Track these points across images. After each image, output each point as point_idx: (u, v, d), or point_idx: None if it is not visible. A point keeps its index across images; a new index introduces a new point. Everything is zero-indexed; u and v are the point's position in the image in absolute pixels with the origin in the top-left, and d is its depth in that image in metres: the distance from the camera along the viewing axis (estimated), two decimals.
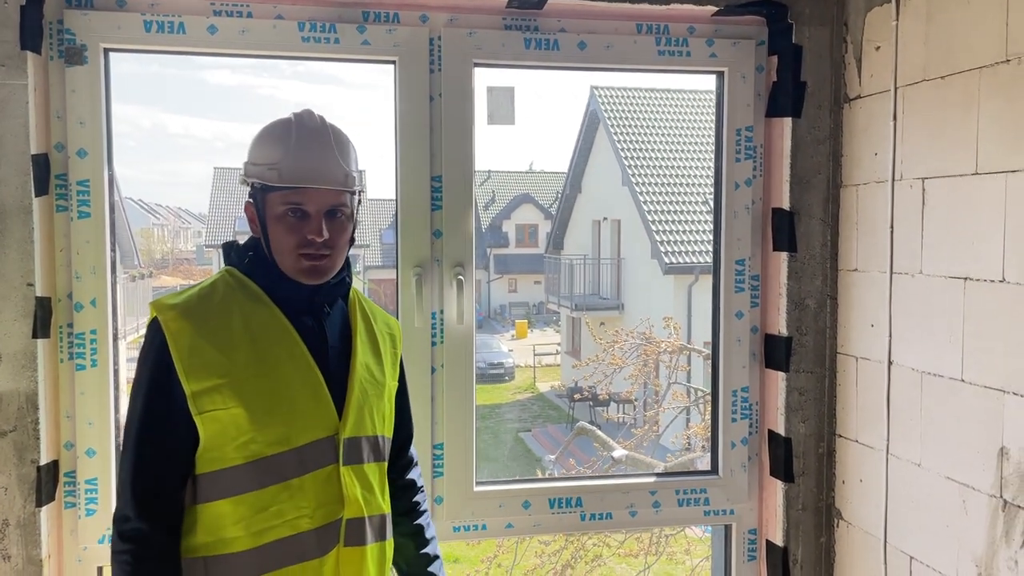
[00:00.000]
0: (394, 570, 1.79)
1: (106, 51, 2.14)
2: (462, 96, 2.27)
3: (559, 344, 21.22)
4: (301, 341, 1.57)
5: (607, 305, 17.86)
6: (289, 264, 1.56)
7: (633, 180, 16.46)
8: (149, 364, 1.51)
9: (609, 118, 17.48)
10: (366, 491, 1.61)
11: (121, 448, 1.53)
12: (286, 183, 1.54)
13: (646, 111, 17.64)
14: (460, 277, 2.30)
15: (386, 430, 1.70)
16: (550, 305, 21.52)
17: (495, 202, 30.78)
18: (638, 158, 16.79)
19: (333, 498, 1.56)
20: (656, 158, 16.83)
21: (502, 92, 2.37)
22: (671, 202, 16.17)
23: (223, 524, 1.51)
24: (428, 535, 1.82)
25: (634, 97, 17.91)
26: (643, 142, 17.08)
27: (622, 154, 16.86)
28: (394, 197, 2.32)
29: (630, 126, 17.40)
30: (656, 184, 16.42)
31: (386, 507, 1.67)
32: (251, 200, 1.60)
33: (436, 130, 2.27)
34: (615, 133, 17.23)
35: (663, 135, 17.34)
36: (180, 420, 1.49)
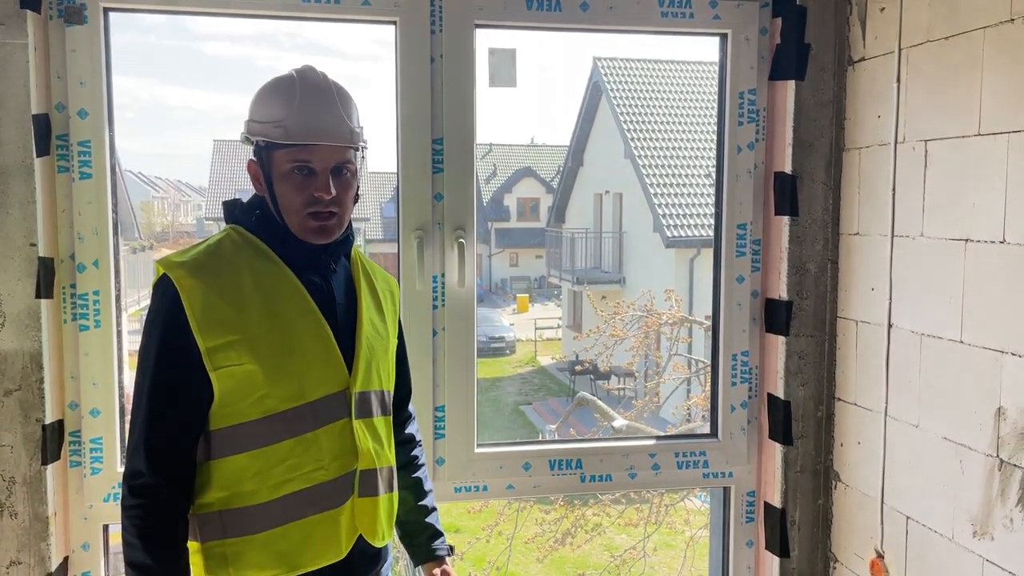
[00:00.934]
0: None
1: (106, 10, 2.12)
2: (463, 58, 2.26)
3: (560, 318, 21.25)
4: (310, 298, 1.58)
5: (608, 279, 17.85)
6: (297, 223, 1.56)
7: (635, 153, 16.37)
8: (161, 321, 1.50)
9: (612, 90, 17.36)
10: (376, 444, 1.64)
11: (132, 406, 1.53)
12: (292, 140, 1.53)
13: (649, 83, 17.52)
14: (461, 240, 2.30)
15: (390, 385, 1.72)
16: (551, 279, 21.53)
17: (496, 176, 30.67)
18: (641, 131, 16.70)
19: (347, 450, 1.58)
20: (659, 131, 16.74)
21: (504, 54, 2.34)
22: (673, 175, 16.10)
23: (240, 478, 1.52)
24: (426, 488, 1.86)
25: (637, 68, 17.78)
26: (646, 114, 16.98)
27: (625, 127, 16.76)
28: (395, 164, 2.31)
29: (633, 98, 17.28)
30: (659, 157, 16.34)
31: (393, 460, 1.71)
32: (255, 159, 1.60)
33: (437, 92, 2.26)
34: (618, 105, 17.12)
35: (666, 107, 17.23)
36: (194, 376, 1.49)
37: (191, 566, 1.54)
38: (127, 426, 2.29)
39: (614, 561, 7.46)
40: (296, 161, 1.54)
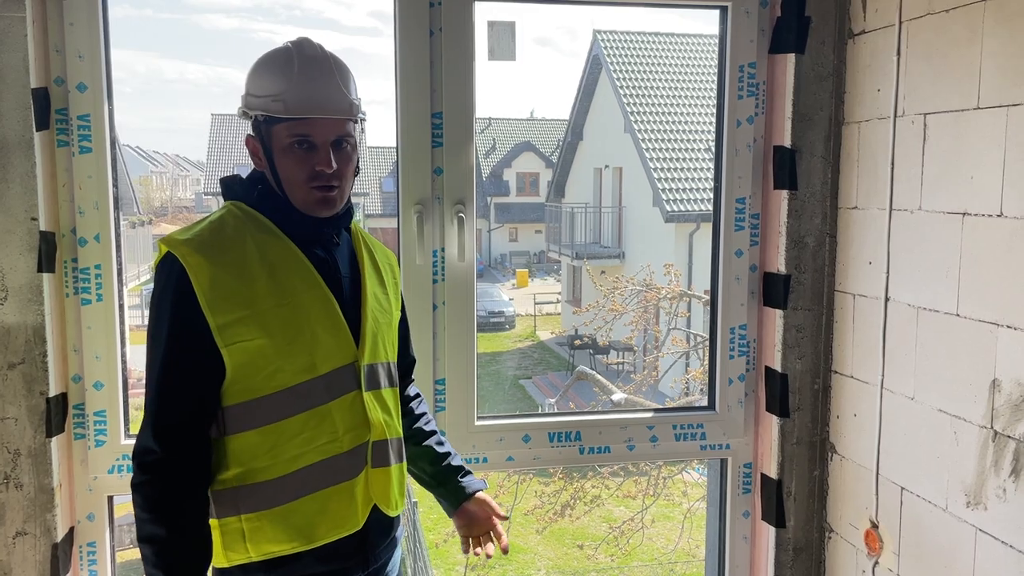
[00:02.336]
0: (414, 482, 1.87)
1: None
2: (463, 30, 2.26)
3: (560, 293, 21.27)
4: (315, 271, 1.59)
5: (608, 253, 17.84)
6: (300, 197, 1.57)
7: (635, 127, 16.29)
8: (169, 299, 1.50)
9: (612, 63, 17.24)
10: (386, 415, 1.66)
11: (145, 385, 1.54)
12: (291, 114, 1.53)
13: (650, 56, 17.40)
14: (461, 215, 2.31)
15: (394, 357, 1.75)
16: (551, 254, 21.51)
17: (496, 150, 30.53)
18: (641, 104, 16.60)
19: (359, 422, 1.60)
20: (659, 104, 16.65)
21: (503, 27, 2.33)
22: (673, 149, 16.04)
23: (255, 454, 1.53)
24: (442, 437, 1.91)
25: (638, 41, 17.64)
26: (646, 88, 16.87)
27: (624, 100, 16.66)
28: (394, 138, 2.31)
29: (633, 71, 17.17)
30: (659, 131, 16.26)
31: (401, 430, 1.73)
32: (253, 134, 1.60)
33: (436, 65, 2.26)
34: (618, 79, 17.01)
35: (666, 81, 17.12)
36: (205, 352, 1.49)
37: None
38: (130, 399, 2.32)
39: (612, 532, 7.55)
40: (296, 135, 1.54)
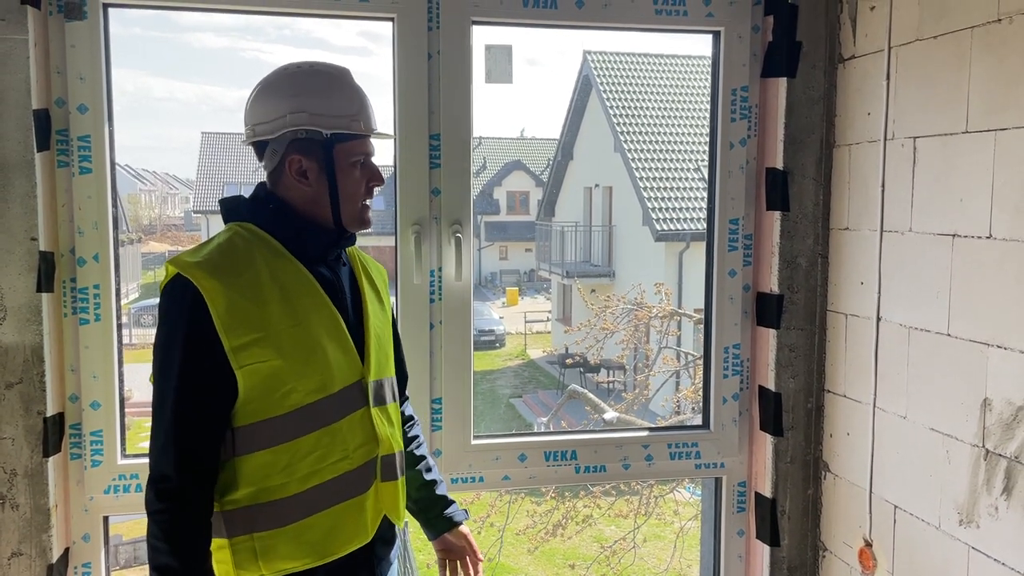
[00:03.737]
0: None
1: (105, 6, 2.14)
2: (460, 54, 2.29)
3: (550, 311, 21.30)
4: (323, 291, 1.61)
5: (598, 272, 17.90)
6: (353, 212, 1.64)
7: (625, 147, 16.41)
8: (184, 323, 1.49)
9: (602, 83, 17.38)
10: (391, 428, 1.69)
11: (154, 409, 1.53)
12: (366, 132, 1.62)
13: (639, 76, 17.55)
14: (458, 235, 2.33)
15: (394, 372, 1.78)
16: (541, 272, 21.56)
17: (486, 169, 30.66)
18: (630, 124, 16.73)
19: (368, 438, 1.63)
20: (649, 124, 16.78)
21: (500, 50, 2.38)
22: (663, 168, 16.15)
23: (267, 473, 1.54)
24: (431, 462, 1.93)
25: (627, 62, 17.80)
26: (636, 108, 17.01)
27: (614, 120, 16.80)
28: (392, 156, 2.34)
29: (623, 92, 17.31)
30: (648, 151, 16.38)
31: (403, 444, 1.77)
32: (301, 154, 1.59)
33: (434, 88, 2.29)
34: (608, 99, 17.15)
35: (656, 101, 17.27)
36: (219, 376, 1.50)
37: (219, 563, 1.55)
38: (127, 419, 2.32)
39: (604, 552, 7.53)
40: (364, 152, 1.63)
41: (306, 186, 1.61)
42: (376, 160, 1.69)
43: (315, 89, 1.60)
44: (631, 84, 17.43)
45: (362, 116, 1.63)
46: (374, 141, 1.68)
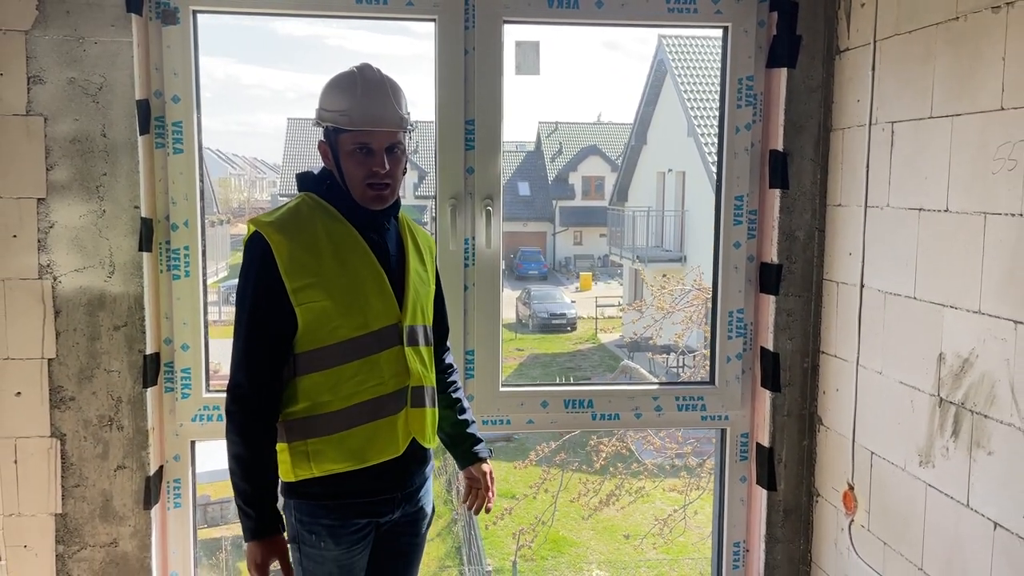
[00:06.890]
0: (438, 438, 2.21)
1: (194, 12, 2.55)
2: (493, 50, 2.62)
3: (621, 296, 21.42)
4: (370, 250, 1.98)
5: (670, 257, 17.96)
6: (359, 193, 1.95)
7: (699, 131, 16.41)
8: (256, 267, 1.89)
9: (676, 67, 17.38)
10: (422, 367, 2.04)
11: (233, 335, 1.95)
12: (355, 127, 1.92)
13: (713, 60, 17.47)
14: (489, 208, 2.67)
15: (430, 321, 2.12)
16: (613, 257, 21.68)
17: (562, 154, 30.83)
18: (704, 108, 16.71)
19: (401, 371, 1.98)
20: None
21: (528, 46, 2.68)
22: None
23: (319, 391, 1.92)
24: (465, 404, 2.27)
25: (702, 46, 17.73)
26: (710, 92, 16.97)
27: (688, 104, 16.79)
28: (433, 139, 2.69)
29: (697, 75, 17.28)
30: None
31: (435, 382, 2.11)
32: (324, 140, 1.99)
33: (470, 80, 2.63)
34: (682, 83, 17.15)
35: None
36: (282, 310, 1.89)
37: (281, 463, 1.95)
38: (212, 358, 2.75)
39: (657, 524, 7.80)
40: (358, 143, 1.93)
41: (331, 167, 1.99)
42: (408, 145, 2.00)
43: (328, 88, 1.97)
44: (706, 68, 17.37)
45: (352, 112, 1.89)
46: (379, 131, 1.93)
